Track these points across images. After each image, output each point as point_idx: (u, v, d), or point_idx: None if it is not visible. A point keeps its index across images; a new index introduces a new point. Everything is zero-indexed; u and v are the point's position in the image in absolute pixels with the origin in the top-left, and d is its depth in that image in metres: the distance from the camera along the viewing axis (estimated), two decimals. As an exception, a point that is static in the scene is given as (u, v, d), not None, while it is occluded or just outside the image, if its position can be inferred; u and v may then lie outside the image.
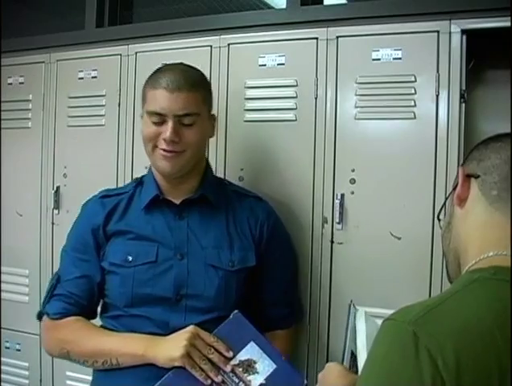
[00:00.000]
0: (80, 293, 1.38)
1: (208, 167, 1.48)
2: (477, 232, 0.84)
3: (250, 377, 1.25)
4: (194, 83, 1.35)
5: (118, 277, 1.36)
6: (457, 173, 0.93)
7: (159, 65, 1.76)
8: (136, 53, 1.83)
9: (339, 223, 1.54)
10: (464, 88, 1.45)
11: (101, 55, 1.89)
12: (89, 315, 1.41)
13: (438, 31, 1.46)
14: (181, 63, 1.43)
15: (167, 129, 1.32)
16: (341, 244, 1.56)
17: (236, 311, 1.30)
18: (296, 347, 1.59)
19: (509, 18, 1.32)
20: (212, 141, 1.70)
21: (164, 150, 1.33)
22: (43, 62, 2.00)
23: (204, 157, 1.47)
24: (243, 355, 1.26)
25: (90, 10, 1.98)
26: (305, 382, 1.30)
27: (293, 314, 1.53)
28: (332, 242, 1.56)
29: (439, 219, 1.01)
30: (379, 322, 0.99)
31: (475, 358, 0.66)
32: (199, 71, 1.44)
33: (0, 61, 2.04)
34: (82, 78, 1.92)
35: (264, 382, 1.25)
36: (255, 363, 1.26)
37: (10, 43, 2.05)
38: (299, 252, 1.59)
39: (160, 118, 1.33)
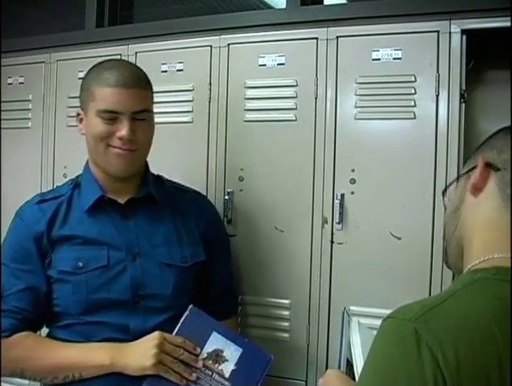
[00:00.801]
0: (27, 307, 1.30)
1: (146, 165, 1.45)
2: (485, 228, 0.82)
3: (221, 366, 1.26)
4: (144, 79, 1.36)
5: (70, 285, 1.30)
6: (470, 157, 0.89)
7: (159, 65, 1.78)
8: (136, 53, 1.83)
9: (339, 223, 1.54)
10: (464, 88, 1.45)
11: (101, 55, 1.87)
12: (37, 328, 1.36)
13: (438, 31, 1.46)
14: (120, 59, 1.45)
15: (123, 127, 1.28)
16: (341, 244, 1.56)
17: (191, 306, 1.30)
18: (296, 347, 1.59)
19: (509, 18, 1.32)
20: (212, 141, 1.70)
21: (120, 149, 1.30)
22: (43, 62, 2.00)
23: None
24: (209, 347, 1.27)
25: (90, 10, 1.98)
26: (271, 357, 1.32)
27: (237, 302, 1.64)
28: (332, 242, 1.56)
29: (443, 195, 0.96)
30: (373, 331, 1.00)
31: (474, 353, 0.67)
32: (139, 67, 1.44)
33: (0, 61, 2.03)
34: (82, 78, 1.91)
35: (235, 367, 1.26)
36: (222, 351, 1.27)
37: (10, 43, 2.05)
38: (299, 252, 1.59)
39: (112, 116, 1.29)
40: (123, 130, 1.28)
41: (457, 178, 0.91)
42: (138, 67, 1.42)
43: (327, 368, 1.56)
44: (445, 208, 0.94)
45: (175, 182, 1.53)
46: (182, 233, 1.41)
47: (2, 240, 1.40)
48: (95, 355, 1.25)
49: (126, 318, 1.30)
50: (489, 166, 0.83)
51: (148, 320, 1.31)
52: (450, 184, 0.95)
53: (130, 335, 1.29)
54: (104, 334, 1.29)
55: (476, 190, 0.83)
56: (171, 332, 1.27)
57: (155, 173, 1.49)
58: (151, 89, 1.38)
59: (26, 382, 2.01)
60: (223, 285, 1.53)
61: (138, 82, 1.32)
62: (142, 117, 1.31)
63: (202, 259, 1.42)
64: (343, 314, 1.18)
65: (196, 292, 1.43)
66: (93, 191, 1.36)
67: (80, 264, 1.31)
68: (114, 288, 1.30)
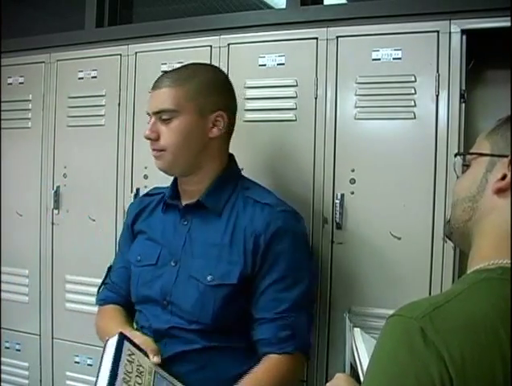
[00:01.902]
0: (121, 283, 1.45)
1: (226, 170, 1.39)
2: (500, 234, 0.81)
3: None
4: (176, 79, 1.32)
5: (132, 275, 1.42)
6: (492, 134, 0.86)
7: (159, 65, 1.78)
8: (136, 53, 1.83)
9: (339, 223, 1.54)
10: (464, 88, 1.45)
11: (101, 55, 1.89)
12: (130, 302, 1.44)
13: (438, 31, 1.46)
14: (193, 63, 1.42)
15: (147, 128, 1.33)
16: (341, 244, 1.56)
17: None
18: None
19: (509, 18, 1.32)
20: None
21: (151, 149, 1.34)
22: (43, 62, 2.00)
23: (214, 158, 1.36)
24: None
25: (90, 9, 1.98)
26: None
27: (292, 339, 1.28)
28: (332, 242, 1.56)
29: (456, 156, 0.93)
30: (374, 339, 1.00)
31: (479, 351, 0.68)
32: (205, 68, 1.40)
33: (0, 61, 2.04)
34: (82, 78, 1.92)
35: None
36: None
37: (10, 43, 2.05)
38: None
39: (149, 118, 1.34)
40: (146, 131, 1.33)
41: (476, 153, 0.87)
42: (194, 68, 1.38)
43: (327, 368, 1.56)
44: (454, 170, 0.92)
45: (255, 192, 1.37)
46: (225, 249, 1.30)
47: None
48: None
49: (156, 316, 1.34)
50: None
51: (170, 322, 1.31)
52: (467, 153, 0.91)
53: (149, 331, 1.33)
54: (141, 323, 1.38)
55: (502, 192, 0.82)
56: (194, 338, 1.28)
57: (249, 178, 1.45)
58: (196, 88, 1.32)
59: (26, 382, 2.03)
60: (268, 309, 1.29)
61: (165, 83, 1.32)
62: (165, 117, 1.31)
63: (232, 282, 1.27)
64: (345, 319, 1.17)
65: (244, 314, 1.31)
66: (167, 193, 1.42)
67: (139, 257, 1.41)
68: (154, 286, 1.35)
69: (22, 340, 2.03)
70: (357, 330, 1.14)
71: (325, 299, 1.57)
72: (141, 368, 1.16)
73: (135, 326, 1.41)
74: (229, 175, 1.39)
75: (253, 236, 1.29)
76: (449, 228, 0.91)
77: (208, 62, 1.70)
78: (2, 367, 2.05)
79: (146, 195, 1.52)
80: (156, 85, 1.33)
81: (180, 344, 1.30)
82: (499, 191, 0.82)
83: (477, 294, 0.74)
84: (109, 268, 1.52)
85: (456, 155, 0.93)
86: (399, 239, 1.50)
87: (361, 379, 1.00)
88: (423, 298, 0.77)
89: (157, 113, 1.31)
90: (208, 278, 1.28)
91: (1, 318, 2.01)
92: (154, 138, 1.31)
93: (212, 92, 1.34)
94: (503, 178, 0.81)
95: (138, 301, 1.40)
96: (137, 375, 1.14)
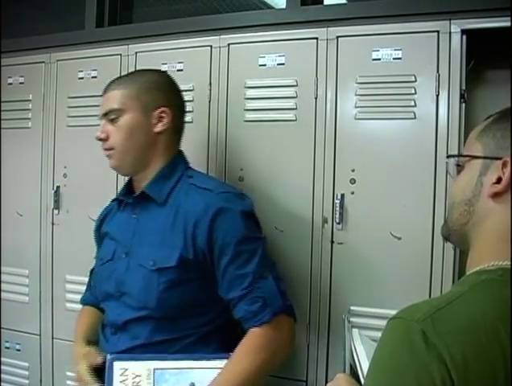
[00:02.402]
0: (94, 284, 1.53)
1: (171, 162, 1.43)
2: (499, 238, 0.80)
3: None
4: (122, 82, 1.42)
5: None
6: (482, 135, 0.85)
7: (159, 65, 1.78)
8: (136, 53, 1.83)
9: (339, 223, 1.54)
10: (464, 88, 1.45)
11: (101, 55, 1.89)
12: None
13: (438, 31, 1.46)
14: (139, 69, 1.56)
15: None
16: (341, 244, 1.56)
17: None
18: (296, 348, 1.59)
19: (510, 18, 1.32)
20: (212, 141, 1.70)
21: (103, 149, 1.42)
22: (43, 62, 2.00)
23: (161, 154, 1.42)
24: None
25: (90, 10, 1.98)
26: None
27: (264, 308, 1.30)
28: (332, 242, 1.56)
29: (449, 158, 0.92)
30: (372, 340, 1.00)
31: (481, 352, 0.68)
32: (149, 71, 1.50)
33: (0, 61, 2.03)
34: (82, 78, 1.92)
35: None
36: None
37: (10, 43, 2.05)
38: (299, 252, 1.59)
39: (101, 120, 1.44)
40: (96, 133, 1.41)
41: (468, 155, 0.87)
42: (140, 71, 1.49)
43: (327, 368, 1.56)
44: (447, 172, 0.91)
45: (198, 178, 1.42)
46: (167, 234, 1.35)
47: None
48: None
49: (112, 310, 1.41)
50: None
51: (123, 315, 1.37)
52: (458, 156, 0.91)
53: (109, 326, 1.41)
54: (105, 320, 1.44)
55: (498, 195, 0.81)
56: (138, 330, 1.34)
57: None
58: (142, 88, 1.40)
59: (27, 382, 2.03)
60: (236, 289, 1.31)
61: (112, 86, 1.42)
62: (113, 117, 1.39)
63: (171, 265, 1.31)
64: (343, 321, 1.17)
65: (198, 297, 1.35)
66: (121, 191, 1.52)
67: (101, 257, 1.49)
68: (111, 281, 1.41)
69: (22, 340, 2.03)
70: (355, 331, 1.14)
71: (325, 299, 1.57)
72: (137, 379, 1.22)
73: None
74: (174, 167, 1.44)
75: (194, 220, 1.32)
76: (447, 230, 0.91)
77: (208, 62, 1.71)
78: (2, 367, 2.05)
79: (114, 199, 1.56)
80: (104, 91, 1.44)
81: (128, 339, 1.35)
82: (495, 196, 0.81)
83: (478, 296, 0.74)
84: (91, 271, 1.59)
85: (448, 157, 0.93)
86: (399, 239, 1.49)
87: (361, 380, 1.01)
88: (423, 301, 0.77)
89: (105, 115, 1.41)
90: (151, 263, 1.34)
91: (1, 318, 2.01)
92: (105, 138, 1.40)
93: (155, 90, 1.42)
94: (498, 180, 0.81)
95: (101, 298, 1.46)
96: None
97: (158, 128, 1.41)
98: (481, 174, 0.83)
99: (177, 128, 1.46)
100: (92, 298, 1.55)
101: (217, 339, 1.37)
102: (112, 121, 1.39)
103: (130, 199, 1.45)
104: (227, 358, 1.29)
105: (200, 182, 1.39)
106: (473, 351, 0.67)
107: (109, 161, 1.43)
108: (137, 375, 1.22)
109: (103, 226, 1.53)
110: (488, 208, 0.82)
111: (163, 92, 1.43)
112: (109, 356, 1.26)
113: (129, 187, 1.48)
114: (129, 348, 1.34)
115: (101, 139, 1.40)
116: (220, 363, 1.27)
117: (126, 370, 1.22)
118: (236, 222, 1.33)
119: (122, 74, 1.82)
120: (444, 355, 0.67)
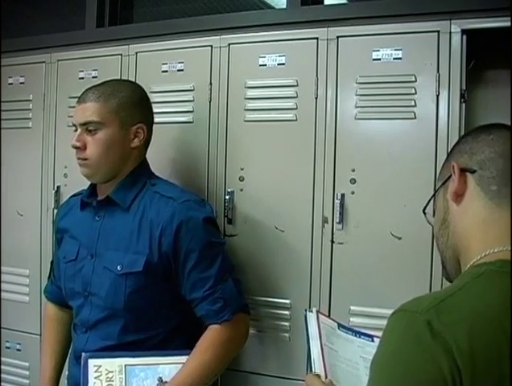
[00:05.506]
0: (59, 278, 1.57)
1: (136, 169, 1.49)
2: (479, 229, 0.83)
3: None
4: (101, 94, 1.44)
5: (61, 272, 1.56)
6: (443, 167, 0.93)
7: (160, 65, 1.78)
8: (136, 53, 1.83)
9: (339, 223, 1.54)
10: (464, 87, 1.45)
11: (102, 55, 1.90)
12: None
13: (438, 31, 1.46)
14: (114, 80, 1.57)
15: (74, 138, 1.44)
16: (341, 244, 1.56)
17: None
18: (296, 347, 1.59)
19: (509, 18, 1.32)
20: (212, 140, 1.70)
21: (77, 158, 1.46)
22: (43, 62, 2.00)
23: (131, 165, 1.48)
24: None
25: (90, 9, 1.98)
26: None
27: (225, 308, 1.40)
28: (332, 242, 1.57)
29: (424, 213, 0.99)
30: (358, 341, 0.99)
31: (486, 342, 0.68)
32: (125, 85, 1.52)
33: (0, 61, 2.04)
34: (82, 78, 1.92)
35: None
36: None
37: (11, 43, 2.05)
38: (299, 252, 1.59)
39: (76, 128, 1.46)
40: (72, 140, 1.43)
41: (434, 194, 0.95)
42: (117, 85, 1.51)
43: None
44: (430, 224, 0.96)
45: (163, 187, 1.48)
46: (133, 240, 1.41)
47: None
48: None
49: (80, 308, 1.47)
50: (464, 170, 0.85)
51: (91, 314, 1.44)
52: (428, 202, 0.97)
53: (79, 325, 1.47)
54: (75, 319, 1.50)
55: (459, 196, 0.86)
56: (108, 331, 1.41)
57: (157, 174, 1.54)
58: (121, 104, 1.44)
59: (27, 382, 2.03)
60: (198, 291, 1.40)
61: (90, 97, 1.44)
62: (91, 128, 1.42)
63: (138, 270, 1.39)
64: (305, 316, 1.13)
65: (164, 298, 1.44)
66: (85, 192, 1.54)
67: (64, 254, 1.53)
68: (76, 280, 1.48)
69: (22, 340, 2.03)
70: (312, 313, 1.11)
71: (325, 299, 1.57)
72: (110, 375, 1.32)
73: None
74: (139, 174, 1.50)
75: (160, 227, 1.40)
76: (446, 273, 0.94)
77: (209, 62, 1.71)
78: (2, 367, 2.04)
79: (74, 195, 1.62)
80: (82, 99, 1.45)
81: (99, 339, 1.42)
82: (456, 196, 0.86)
83: (480, 287, 0.75)
84: (52, 263, 1.66)
85: (423, 212, 0.99)
86: (399, 239, 1.50)
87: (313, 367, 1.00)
88: (425, 294, 0.78)
89: (83, 125, 1.43)
90: (118, 268, 1.41)
91: (1, 318, 2.01)
92: (81, 147, 1.43)
93: (133, 107, 1.47)
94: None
95: (67, 295, 1.52)
96: (108, 384, 1.31)
97: (135, 143, 1.47)
98: (444, 193, 0.89)
99: (148, 141, 1.52)
100: (56, 292, 1.61)
101: (183, 336, 1.46)
102: (90, 132, 1.43)
103: (93, 201, 1.49)
104: (189, 353, 1.38)
105: (164, 191, 1.46)
106: (480, 343, 0.68)
107: (82, 169, 1.46)
108: (110, 371, 1.32)
109: (63, 221, 1.58)
110: (458, 211, 0.87)
111: (140, 109, 1.49)
112: (83, 354, 1.37)
113: (92, 190, 1.52)
114: (102, 348, 1.41)
115: (77, 147, 1.43)
116: (185, 358, 1.37)
117: (100, 367, 1.33)
118: (199, 229, 1.41)
119: (121, 76, 1.84)
120: (451, 344, 0.67)
